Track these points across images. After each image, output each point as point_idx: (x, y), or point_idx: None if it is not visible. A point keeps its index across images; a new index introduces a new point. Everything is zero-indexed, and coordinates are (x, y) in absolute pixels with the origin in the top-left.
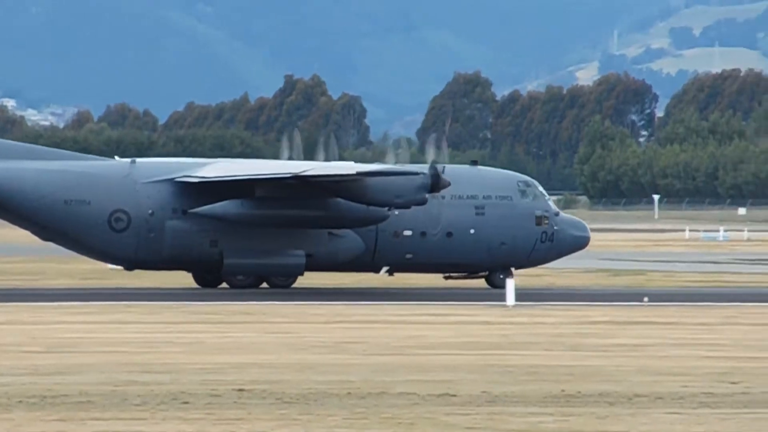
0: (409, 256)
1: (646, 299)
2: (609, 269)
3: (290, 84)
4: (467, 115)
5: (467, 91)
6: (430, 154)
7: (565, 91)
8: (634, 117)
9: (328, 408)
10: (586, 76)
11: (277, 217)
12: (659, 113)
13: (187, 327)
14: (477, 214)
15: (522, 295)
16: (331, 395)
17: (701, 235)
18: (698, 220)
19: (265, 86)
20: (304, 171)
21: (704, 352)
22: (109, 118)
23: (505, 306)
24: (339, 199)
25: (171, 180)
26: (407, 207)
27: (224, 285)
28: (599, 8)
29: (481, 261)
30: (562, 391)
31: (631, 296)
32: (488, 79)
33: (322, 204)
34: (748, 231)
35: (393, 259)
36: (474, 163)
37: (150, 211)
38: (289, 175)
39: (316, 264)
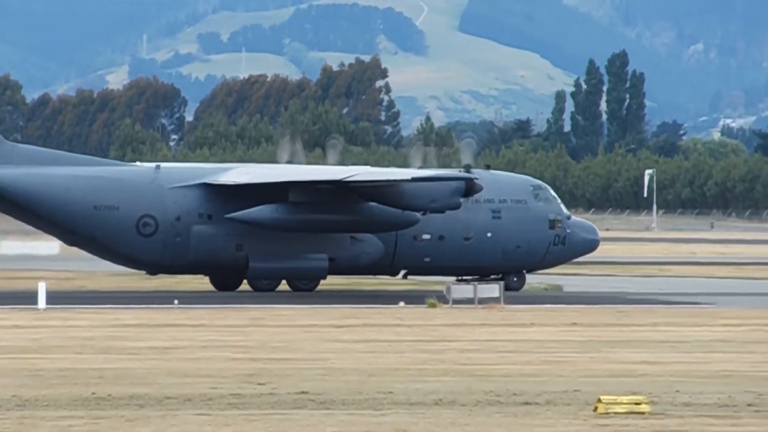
0: (427, 259)
1: (176, 302)
2: (141, 273)
3: None
4: None
5: None
6: (465, 157)
7: (95, 95)
8: (164, 121)
9: None
10: (117, 79)
11: (313, 222)
12: (189, 117)
13: None
14: (494, 217)
15: (54, 298)
16: None
17: None
18: None
19: None
20: (349, 176)
21: (232, 354)
22: None
23: (36, 309)
24: (373, 204)
25: (198, 185)
26: (442, 211)
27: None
28: (128, 12)
29: (497, 264)
30: (93, 393)
31: (162, 299)
32: (18, 81)
33: (356, 209)
34: None
35: (411, 262)
36: (487, 167)
37: (177, 216)
38: (327, 180)
39: (339, 268)
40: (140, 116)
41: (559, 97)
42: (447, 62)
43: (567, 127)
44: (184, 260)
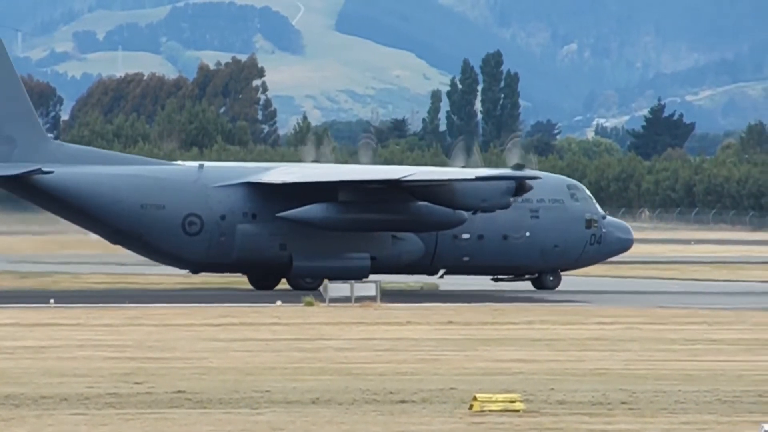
0: (466, 259)
1: (52, 301)
2: (15, 271)
3: None
4: None
5: None
6: (514, 156)
7: None
8: (40, 120)
9: None
10: None
11: (363, 221)
12: (65, 116)
13: None
14: (532, 217)
15: None
16: None
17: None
18: None
19: None
20: (406, 176)
21: (109, 353)
22: None
23: None
24: (424, 203)
25: (242, 184)
26: (492, 211)
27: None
28: (1, 10)
29: (534, 263)
30: None
31: (38, 298)
32: None
33: (407, 208)
34: None
35: (451, 261)
36: (521, 167)
37: (222, 215)
38: (379, 180)
39: (380, 266)
40: None
41: (435, 96)
42: (324, 62)
43: (443, 127)
44: (228, 259)
